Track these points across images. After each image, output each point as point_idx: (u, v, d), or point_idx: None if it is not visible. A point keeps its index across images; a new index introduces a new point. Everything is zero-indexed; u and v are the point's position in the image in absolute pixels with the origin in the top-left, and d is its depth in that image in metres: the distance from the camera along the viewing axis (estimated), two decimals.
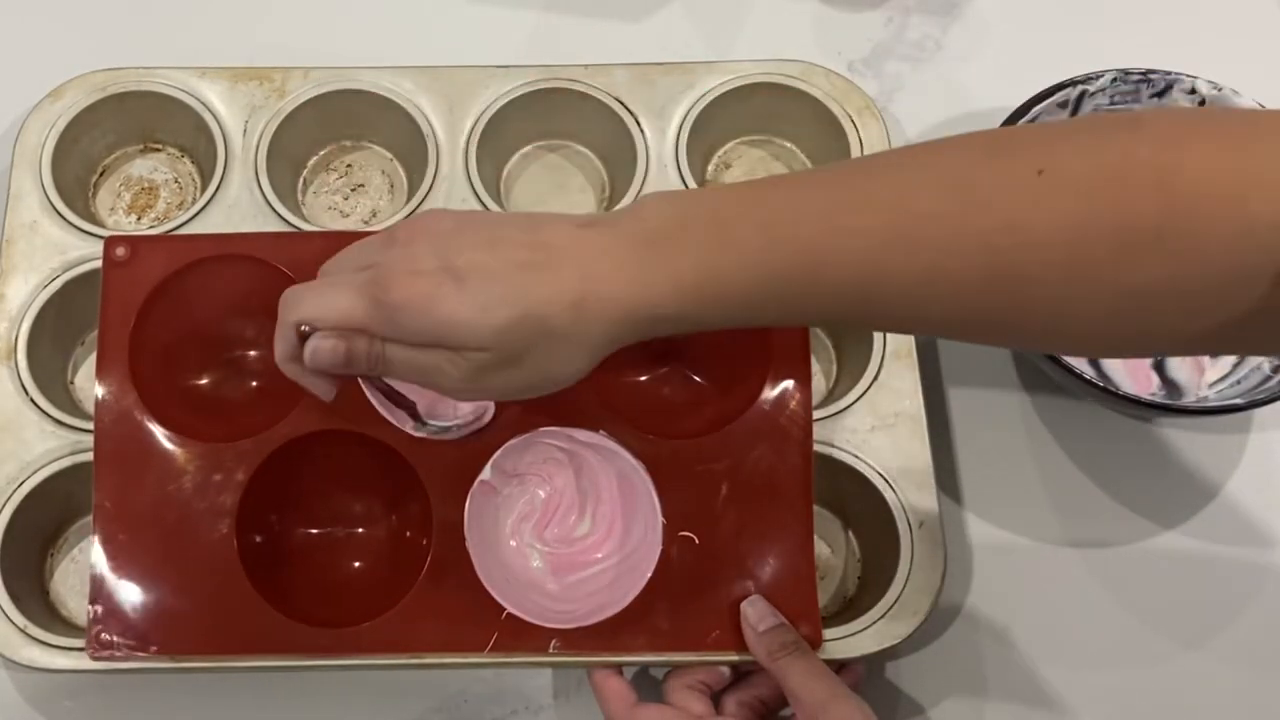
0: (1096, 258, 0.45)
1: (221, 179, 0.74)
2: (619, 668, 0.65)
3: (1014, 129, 0.48)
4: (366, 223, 0.78)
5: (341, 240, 0.70)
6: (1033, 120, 0.73)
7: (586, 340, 0.52)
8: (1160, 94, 0.74)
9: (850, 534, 0.72)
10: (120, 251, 0.67)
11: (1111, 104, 0.75)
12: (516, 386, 0.54)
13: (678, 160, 0.76)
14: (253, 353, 0.69)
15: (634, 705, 0.63)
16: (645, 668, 0.69)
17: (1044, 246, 0.46)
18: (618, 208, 0.53)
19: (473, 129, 0.76)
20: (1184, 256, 0.44)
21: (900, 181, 0.49)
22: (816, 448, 0.66)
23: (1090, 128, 0.48)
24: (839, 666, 0.65)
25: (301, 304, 0.54)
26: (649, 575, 0.64)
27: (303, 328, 0.53)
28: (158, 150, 0.80)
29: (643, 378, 0.70)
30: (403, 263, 0.52)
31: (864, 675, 0.67)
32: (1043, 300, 0.47)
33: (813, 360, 0.68)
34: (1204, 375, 0.73)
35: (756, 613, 0.63)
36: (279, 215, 0.74)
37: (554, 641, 0.64)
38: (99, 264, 0.68)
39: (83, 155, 0.78)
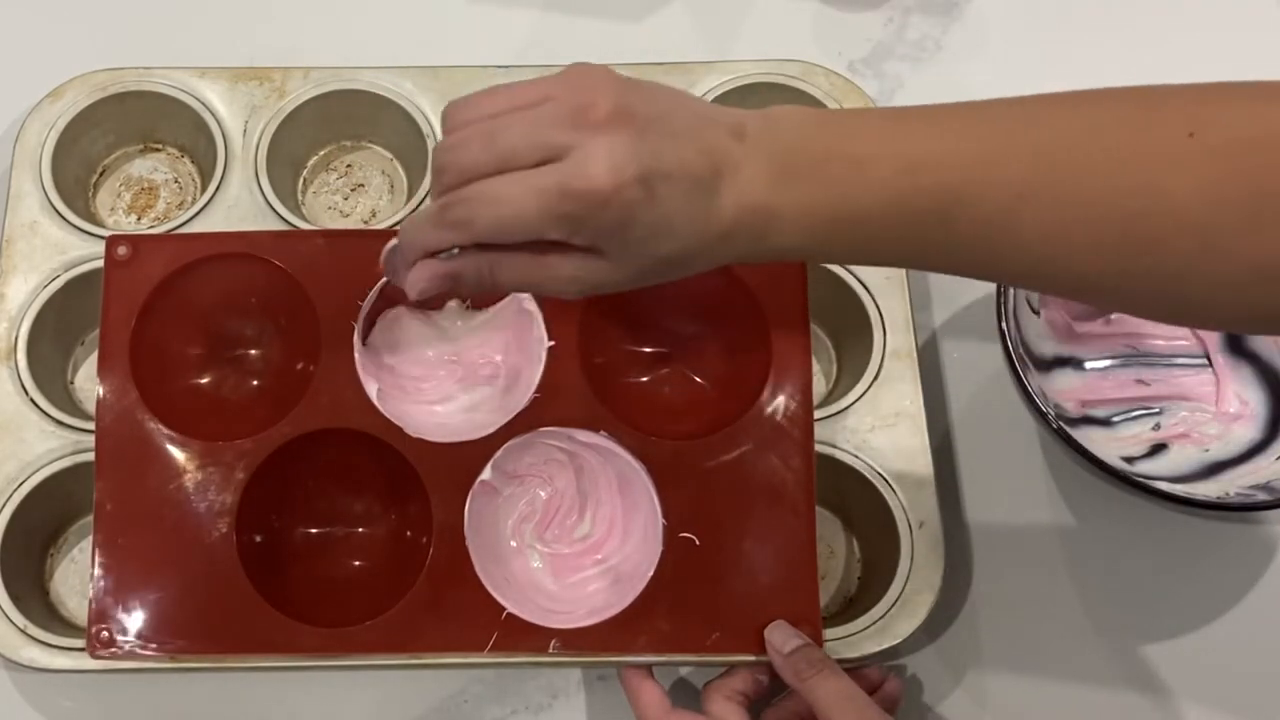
0: (1229, 225, 0.45)
1: (221, 179, 0.74)
2: (650, 670, 0.64)
3: (1169, 87, 0.48)
4: (366, 222, 0.78)
5: (343, 239, 0.71)
6: None
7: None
8: None
9: (851, 534, 0.72)
10: (122, 250, 0.67)
11: None
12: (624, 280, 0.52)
13: None
14: (254, 351, 0.70)
15: (669, 711, 0.62)
16: (679, 676, 0.69)
17: (1181, 211, 0.46)
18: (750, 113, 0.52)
19: None
20: None
21: (1047, 132, 0.49)
22: (817, 448, 0.66)
23: (1248, 95, 0.47)
24: (875, 686, 0.65)
25: (480, 213, 0.49)
26: (649, 576, 0.64)
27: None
28: (158, 150, 0.80)
29: (644, 378, 0.70)
30: (606, 158, 0.48)
31: (901, 690, 0.67)
32: (1173, 266, 0.47)
33: (813, 360, 0.68)
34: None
35: (780, 637, 0.63)
36: (279, 215, 0.73)
37: (554, 641, 0.63)
38: (99, 264, 0.68)
39: (83, 155, 0.78)
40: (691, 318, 0.69)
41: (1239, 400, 0.73)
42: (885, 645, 0.66)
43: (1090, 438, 0.69)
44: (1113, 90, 0.49)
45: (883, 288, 0.72)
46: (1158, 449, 0.72)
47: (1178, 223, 0.46)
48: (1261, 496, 0.66)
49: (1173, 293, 0.49)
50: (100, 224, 0.76)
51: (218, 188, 0.74)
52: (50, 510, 0.70)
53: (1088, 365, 0.74)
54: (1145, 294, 0.50)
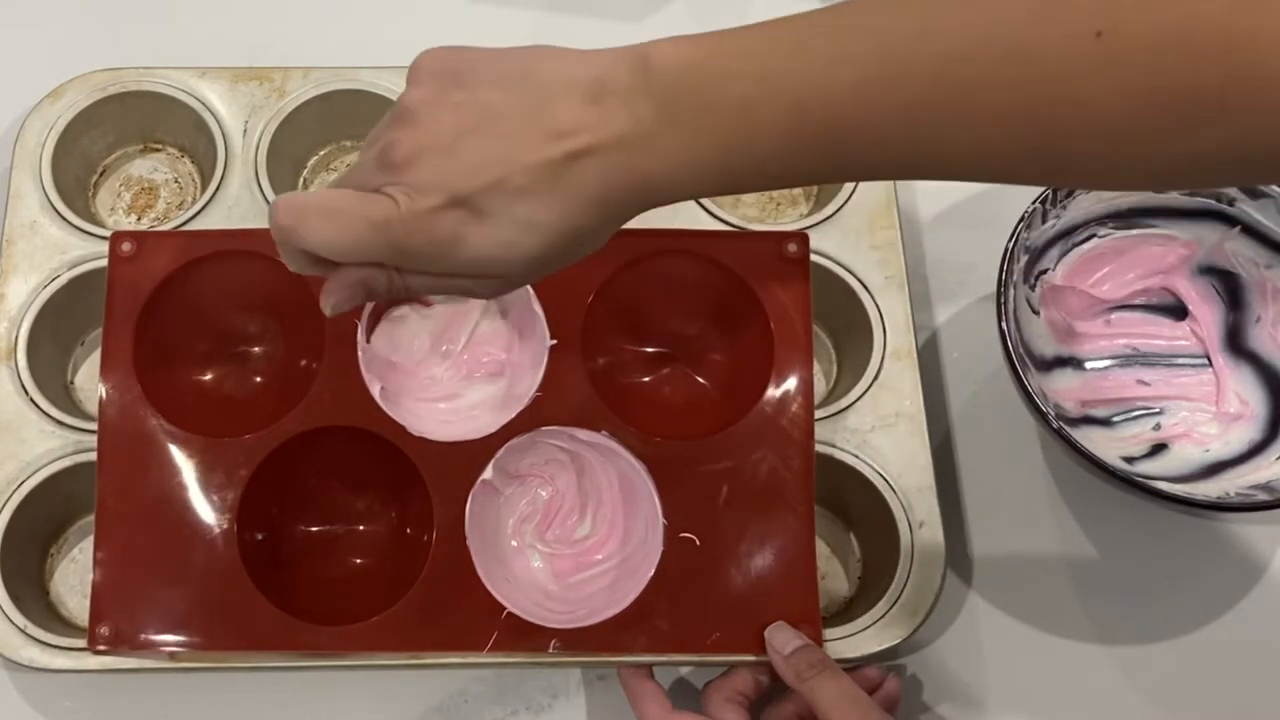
0: (1154, 128, 0.42)
1: (221, 179, 0.74)
2: (650, 670, 0.64)
3: None
4: None
5: None
6: None
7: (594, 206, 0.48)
8: None
9: (850, 534, 0.72)
10: (126, 247, 0.67)
11: None
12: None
13: None
14: (257, 348, 0.70)
15: (670, 712, 0.62)
16: (679, 676, 0.69)
17: (1100, 118, 0.43)
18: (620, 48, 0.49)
19: None
20: (1245, 125, 0.41)
21: (941, 42, 0.44)
22: (817, 448, 0.66)
23: None
24: (875, 686, 0.65)
25: (307, 232, 0.47)
26: (650, 576, 0.64)
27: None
28: (158, 150, 0.80)
29: (645, 378, 0.70)
30: (417, 199, 0.46)
31: (901, 690, 0.66)
32: (1093, 165, 0.45)
33: (813, 360, 0.68)
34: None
35: (781, 638, 0.63)
36: None
37: (554, 641, 0.63)
38: (99, 264, 0.68)
39: (83, 155, 0.78)
40: (693, 318, 0.69)
41: (1239, 400, 0.73)
42: (885, 645, 0.66)
43: (1090, 438, 0.69)
44: None
45: (883, 288, 0.73)
46: (1158, 449, 0.72)
47: (1095, 130, 0.43)
48: (1261, 496, 0.66)
49: (1094, 182, 0.53)
50: (100, 224, 0.76)
51: (218, 188, 0.74)
52: (50, 510, 0.70)
53: (1088, 365, 0.74)
54: (1076, 182, 0.55)
